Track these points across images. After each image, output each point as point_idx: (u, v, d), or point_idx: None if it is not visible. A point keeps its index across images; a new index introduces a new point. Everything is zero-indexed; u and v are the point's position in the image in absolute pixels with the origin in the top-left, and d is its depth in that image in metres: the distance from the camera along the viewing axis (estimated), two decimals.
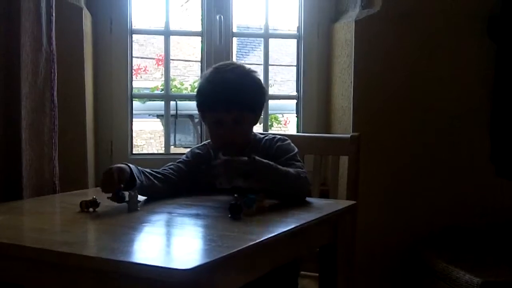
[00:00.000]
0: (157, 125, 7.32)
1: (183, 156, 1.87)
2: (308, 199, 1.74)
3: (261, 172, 1.60)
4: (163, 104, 2.70)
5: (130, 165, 1.61)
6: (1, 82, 1.86)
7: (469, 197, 2.58)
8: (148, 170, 1.70)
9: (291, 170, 1.66)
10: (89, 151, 2.39)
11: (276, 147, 1.78)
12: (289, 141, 1.82)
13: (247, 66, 1.82)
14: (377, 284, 2.55)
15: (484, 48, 2.55)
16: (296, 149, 1.79)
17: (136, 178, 1.61)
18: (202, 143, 1.92)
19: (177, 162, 1.83)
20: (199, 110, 1.81)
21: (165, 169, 1.79)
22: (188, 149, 1.93)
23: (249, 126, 1.80)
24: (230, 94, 1.70)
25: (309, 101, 2.72)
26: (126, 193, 1.55)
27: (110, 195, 1.53)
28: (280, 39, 3.14)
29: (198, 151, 1.86)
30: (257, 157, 1.60)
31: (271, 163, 1.63)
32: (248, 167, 1.58)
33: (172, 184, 1.76)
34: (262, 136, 1.85)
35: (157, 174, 1.73)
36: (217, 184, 1.77)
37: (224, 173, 1.58)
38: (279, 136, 1.83)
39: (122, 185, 1.54)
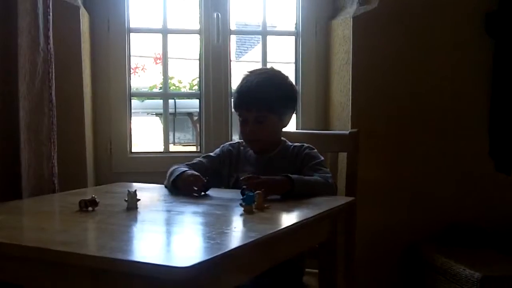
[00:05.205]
0: (156, 124, 7.31)
1: (216, 150, 1.99)
2: None
3: (298, 191, 1.66)
4: (162, 103, 2.70)
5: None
6: None
7: (468, 192, 2.58)
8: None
9: (319, 178, 1.75)
10: (88, 150, 2.39)
11: (304, 153, 1.88)
12: (316, 150, 1.91)
13: (281, 72, 1.94)
14: (376, 280, 2.55)
15: (482, 43, 2.55)
16: (322, 158, 1.90)
17: None
18: (237, 141, 2.02)
19: (203, 157, 1.96)
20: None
21: (190, 163, 1.91)
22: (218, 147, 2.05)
23: (272, 126, 1.89)
24: (249, 95, 1.86)
25: (307, 98, 2.72)
26: None
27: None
28: (278, 36, 3.13)
29: (230, 148, 1.98)
30: (291, 176, 1.67)
31: (303, 177, 1.72)
32: (287, 188, 1.65)
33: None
34: (291, 144, 1.94)
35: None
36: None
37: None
38: (307, 145, 1.93)
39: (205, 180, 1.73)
